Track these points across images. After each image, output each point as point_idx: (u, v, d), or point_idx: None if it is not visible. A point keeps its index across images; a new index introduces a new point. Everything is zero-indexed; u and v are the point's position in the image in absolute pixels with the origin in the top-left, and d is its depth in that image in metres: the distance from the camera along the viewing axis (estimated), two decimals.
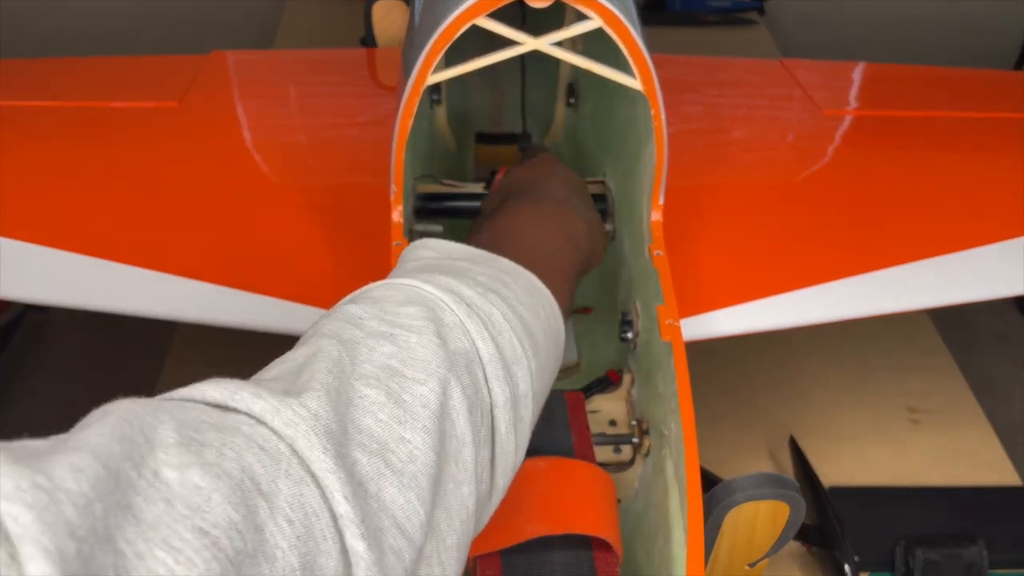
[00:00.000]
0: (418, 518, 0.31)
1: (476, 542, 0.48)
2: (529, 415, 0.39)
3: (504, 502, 0.49)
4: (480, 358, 0.37)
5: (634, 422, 0.59)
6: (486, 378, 0.37)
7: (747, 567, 0.55)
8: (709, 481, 0.51)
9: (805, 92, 0.93)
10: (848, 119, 0.90)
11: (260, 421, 0.28)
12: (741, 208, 0.74)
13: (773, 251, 0.69)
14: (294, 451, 0.28)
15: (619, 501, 0.56)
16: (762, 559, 0.55)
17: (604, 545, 0.48)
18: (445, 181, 0.68)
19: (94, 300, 0.63)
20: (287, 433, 0.28)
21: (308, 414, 0.29)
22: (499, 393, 0.37)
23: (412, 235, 0.63)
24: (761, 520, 0.52)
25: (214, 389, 0.29)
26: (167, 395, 0.30)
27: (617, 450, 0.59)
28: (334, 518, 0.28)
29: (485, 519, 0.39)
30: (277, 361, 0.35)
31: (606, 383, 0.62)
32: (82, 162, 0.78)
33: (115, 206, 0.72)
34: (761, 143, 0.88)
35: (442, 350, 0.35)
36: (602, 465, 0.56)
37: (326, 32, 1.36)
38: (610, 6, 0.50)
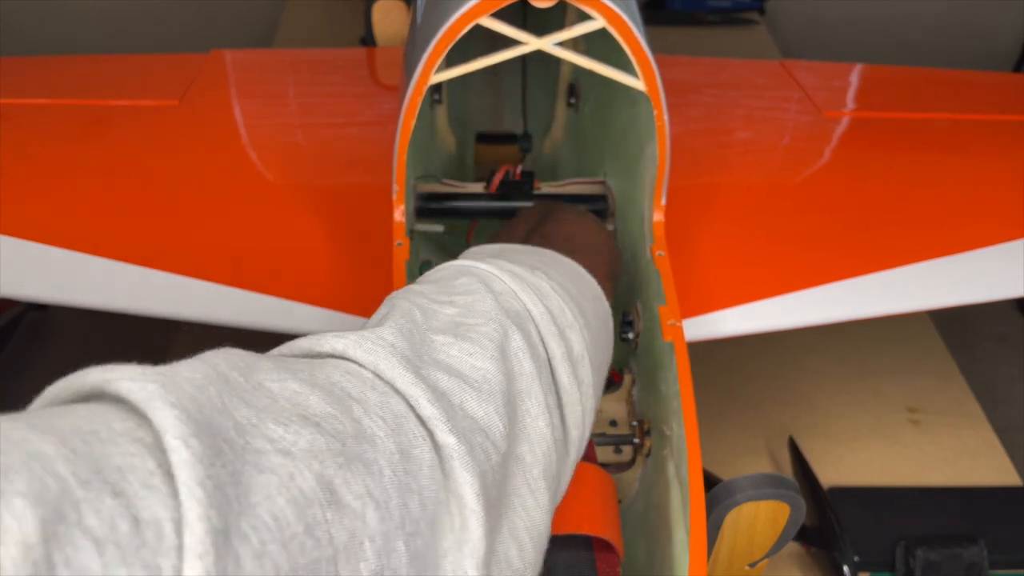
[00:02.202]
0: (498, 429, 0.33)
1: None
2: (589, 379, 0.41)
3: None
4: (532, 317, 0.39)
5: (635, 422, 0.59)
6: (540, 335, 0.39)
7: (747, 567, 0.55)
8: (709, 481, 0.51)
9: (805, 93, 0.93)
10: (848, 120, 0.90)
11: (344, 357, 0.31)
12: (742, 209, 0.74)
13: (774, 252, 0.69)
14: (377, 375, 0.31)
15: (620, 502, 0.56)
16: (762, 560, 0.55)
17: (605, 546, 0.48)
18: (446, 181, 0.68)
19: (94, 299, 0.63)
20: (368, 360, 0.31)
21: (386, 343, 0.32)
22: (555, 348, 0.39)
23: (413, 235, 0.63)
24: (761, 521, 0.52)
25: (303, 340, 0.33)
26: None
27: (618, 450, 0.59)
28: (421, 421, 0.30)
29: (566, 479, 0.40)
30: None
31: (607, 383, 0.62)
32: (82, 160, 0.78)
33: (115, 205, 0.72)
34: (761, 144, 0.88)
35: (498, 305, 0.38)
36: (603, 465, 0.56)
37: (326, 32, 1.36)
38: (613, 6, 0.50)
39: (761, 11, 1.51)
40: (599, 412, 0.61)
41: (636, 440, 0.58)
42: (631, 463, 0.59)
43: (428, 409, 0.30)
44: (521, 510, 0.35)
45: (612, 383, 0.62)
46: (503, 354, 0.36)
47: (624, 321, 0.61)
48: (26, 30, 1.56)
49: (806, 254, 0.69)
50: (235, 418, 0.25)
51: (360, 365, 0.31)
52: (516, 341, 0.37)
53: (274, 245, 0.69)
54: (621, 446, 0.59)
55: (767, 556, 0.55)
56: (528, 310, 0.39)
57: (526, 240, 0.53)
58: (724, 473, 0.68)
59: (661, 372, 0.54)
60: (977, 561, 0.69)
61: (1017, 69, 1.67)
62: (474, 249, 0.47)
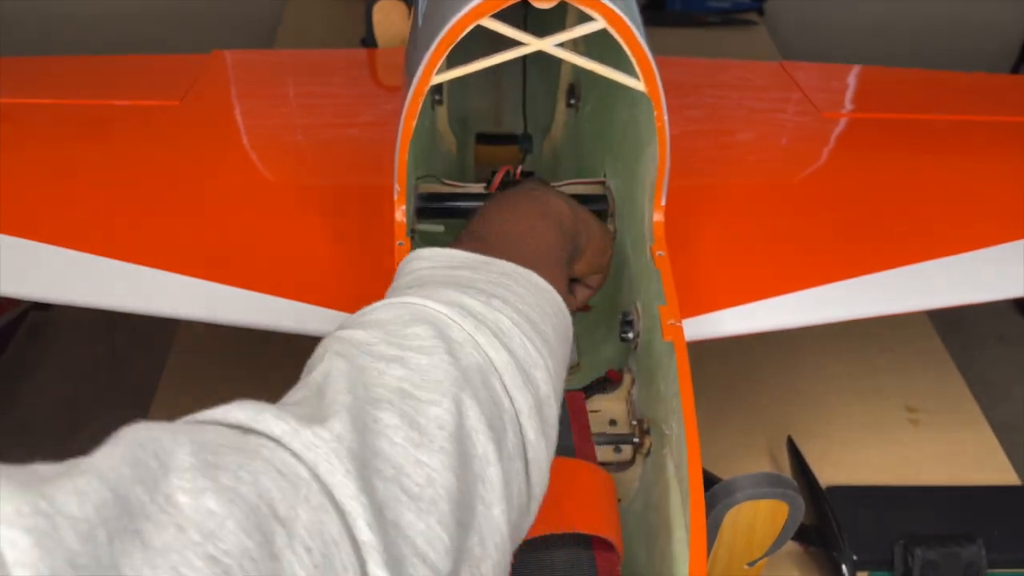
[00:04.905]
0: (441, 543, 0.30)
1: None
2: (554, 416, 0.39)
3: None
4: (496, 368, 0.37)
5: (634, 422, 0.59)
6: (506, 388, 0.36)
7: (746, 567, 0.55)
8: (708, 480, 0.51)
9: (804, 94, 0.93)
10: (847, 121, 0.91)
11: (280, 443, 0.28)
12: (741, 209, 0.74)
13: (773, 252, 0.70)
14: (315, 475, 0.28)
15: (620, 501, 0.56)
16: (761, 559, 0.55)
17: (605, 545, 0.48)
18: (446, 181, 0.68)
19: (95, 298, 0.63)
20: (308, 456, 0.28)
21: (331, 436, 0.29)
22: (522, 401, 0.37)
23: (414, 235, 0.63)
24: (760, 520, 0.52)
25: (239, 410, 0.29)
26: (191, 417, 0.30)
27: (618, 450, 0.59)
28: (355, 547, 0.27)
29: (525, 527, 0.38)
30: (296, 387, 0.34)
31: (606, 383, 0.62)
32: (83, 160, 0.78)
33: (116, 204, 0.72)
34: (760, 145, 0.88)
35: (454, 368, 0.35)
36: (603, 465, 0.56)
37: (326, 32, 1.36)
38: (614, 7, 0.50)
39: (760, 12, 1.51)
40: (598, 412, 0.61)
41: (636, 439, 0.58)
42: (631, 462, 0.59)
43: (365, 533, 0.27)
44: None
45: (611, 382, 0.62)
46: (456, 440, 0.32)
47: (624, 321, 0.62)
48: (27, 30, 1.57)
49: (805, 254, 0.69)
50: (123, 574, 0.22)
51: (297, 459, 0.28)
52: (472, 419, 0.34)
53: (275, 245, 0.69)
54: (621, 445, 0.59)
55: (766, 555, 0.55)
56: (491, 360, 0.36)
57: (460, 241, 0.49)
58: (723, 472, 0.68)
59: (661, 372, 0.55)
60: (975, 560, 0.69)
61: (1015, 70, 1.67)
62: (425, 267, 0.43)
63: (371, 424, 0.31)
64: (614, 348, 0.65)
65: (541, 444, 0.37)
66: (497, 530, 0.34)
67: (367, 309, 0.39)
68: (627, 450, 0.59)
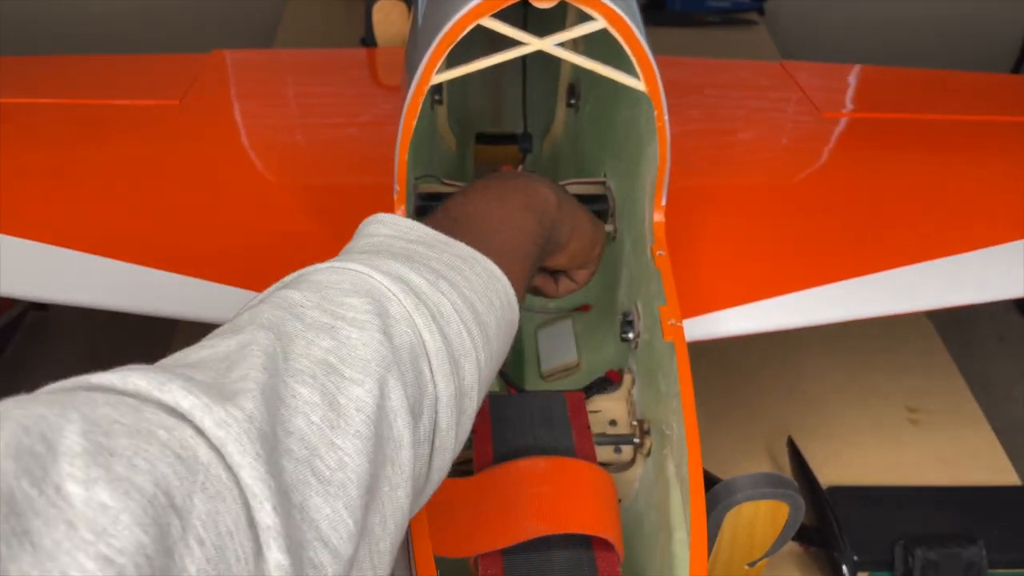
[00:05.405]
0: (346, 528, 0.30)
1: (477, 541, 0.48)
2: (473, 408, 0.39)
3: (506, 501, 0.49)
4: (427, 351, 0.36)
5: (635, 422, 0.59)
6: (432, 372, 0.36)
7: (746, 567, 0.55)
8: (708, 481, 0.51)
9: (805, 94, 0.93)
10: (848, 121, 0.90)
11: (186, 419, 0.27)
12: (741, 209, 0.74)
13: (774, 252, 0.70)
14: (220, 456, 0.27)
15: (620, 501, 0.56)
16: (762, 559, 0.55)
17: (605, 545, 0.48)
18: (446, 181, 0.68)
19: (94, 298, 0.63)
20: (217, 434, 0.27)
21: (243, 415, 0.28)
22: (444, 388, 0.37)
23: None
24: (760, 520, 0.52)
25: (140, 377, 0.27)
26: (86, 379, 0.28)
27: (618, 450, 0.59)
28: (253, 533, 0.26)
29: (415, 509, 0.38)
30: (206, 343, 0.33)
31: (606, 383, 0.62)
32: (83, 160, 0.78)
33: (116, 204, 0.72)
34: (761, 145, 0.88)
35: (384, 347, 0.34)
36: (603, 465, 0.56)
37: (326, 32, 1.36)
38: (614, 7, 0.50)
39: (761, 11, 1.51)
40: (598, 412, 0.61)
41: (636, 440, 0.58)
42: (631, 463, 0.59)
43: (270, 517, 0.26)
44: None
45: (611, 383, 0.62)
46: (373, 422, 0.32)
47: (624, 321, 0.61)
48: (26, 30, 1.57)
49: (806, 254, 0.69)
50: None
51: (204, 436, 0.26)
52: (393, 400, 0.33)
53: (274, 244, 0.69)
54: (621, 446, 0.59)
55: (766, 555, 0.55)
56: (424, 343, 0.36)
57: (433, 215, 0.48)
58: (724, 473, 0.68)
59: (661, 372, 0.54)
60: (976, 560, 0.69)
61: (1016, 70, 1.67)
62: (382, 234, 0.42)
63: (289, 399, 0.30)
64: (614, 348, 0.65)
65: (451, 434, 0.37)
66: (400, 510, 0.34)
67: (311, 268, 0.38)
68: (627, 451, 0.59)
